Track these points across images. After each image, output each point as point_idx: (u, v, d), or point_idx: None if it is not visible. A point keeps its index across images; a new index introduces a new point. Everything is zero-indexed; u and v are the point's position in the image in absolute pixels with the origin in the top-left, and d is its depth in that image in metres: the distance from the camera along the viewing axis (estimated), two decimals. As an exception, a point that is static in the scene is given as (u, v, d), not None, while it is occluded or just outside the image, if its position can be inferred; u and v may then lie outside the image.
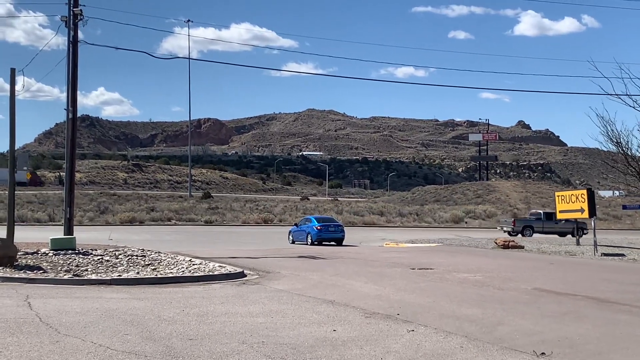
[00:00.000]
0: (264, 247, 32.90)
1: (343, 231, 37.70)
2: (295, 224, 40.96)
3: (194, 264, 20.46)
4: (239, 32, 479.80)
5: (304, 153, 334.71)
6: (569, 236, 45.21)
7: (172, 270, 18.99)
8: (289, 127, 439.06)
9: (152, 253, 24.02)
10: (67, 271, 18.12)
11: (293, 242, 38.41)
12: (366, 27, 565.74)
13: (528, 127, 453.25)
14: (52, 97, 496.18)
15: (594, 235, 31.26)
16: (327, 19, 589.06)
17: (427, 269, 22.08)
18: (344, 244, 36.97)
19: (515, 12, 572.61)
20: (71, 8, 25.88)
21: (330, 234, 37.05)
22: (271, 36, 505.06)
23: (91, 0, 26.96)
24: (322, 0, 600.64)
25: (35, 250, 23.30)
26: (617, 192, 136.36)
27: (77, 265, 19.47)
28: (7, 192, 24.24)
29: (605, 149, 37.31)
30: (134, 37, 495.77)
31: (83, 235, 32.34)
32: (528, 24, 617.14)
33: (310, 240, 36.72)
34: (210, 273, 18.69)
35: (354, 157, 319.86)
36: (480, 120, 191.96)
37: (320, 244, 36.40)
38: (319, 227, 36.83)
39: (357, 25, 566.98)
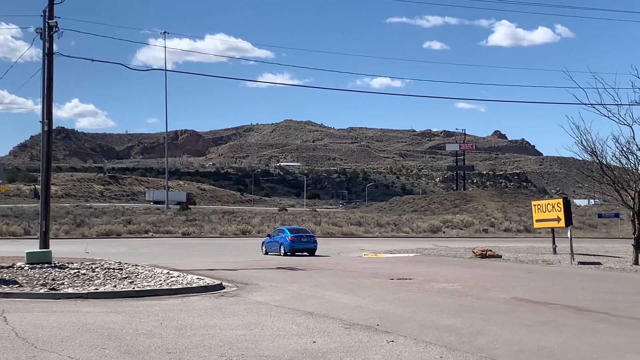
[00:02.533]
0: (242, 259, 32.78)
1: (315, 242, 37.80)
2: (269, 235, 40.90)
3: (171, 277, 20.33)
4: (214, 43, 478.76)
5: (282, 164, 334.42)
6: (545, 245, 45.38)
7: (149, 283, 18.84)
8: (267, 138, 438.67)
9: (130, 266, 23.84)
10: (44, 285, 17.92)
11: (266, 253, 38.37)
12: (341, 37, 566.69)
13: (504, 137, 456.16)
14: (26, 109, 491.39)
15: (571, 244, 31.46)
16: (302, 29, 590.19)
17: (406, 279, 22.11)
18: (319, 254, 36.97)
19: (490, 23, 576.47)
20: (46, 20, 25.72)
21: (302, 245, 37.11)
22: (246, 47, 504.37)
23: (65, 11, 26.87)
24: (296, 11, 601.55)
25: (11, 264, 23.05)
26: (592, 201, 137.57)
27: (53, 279, 19.27)
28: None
29: (580, 159, 37.58)
30: (108, 48, 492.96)
31: (59, 248, 32.07)
32: (502, 34, 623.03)
33: (283, 251, 36.73)
34: (189, 285, 18.57)
35: (332, 168, 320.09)
36: (457, 130, 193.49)
37: (293, 254, 36.42)
38: (291, 238, 36.85)
39: (332, 35, 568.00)
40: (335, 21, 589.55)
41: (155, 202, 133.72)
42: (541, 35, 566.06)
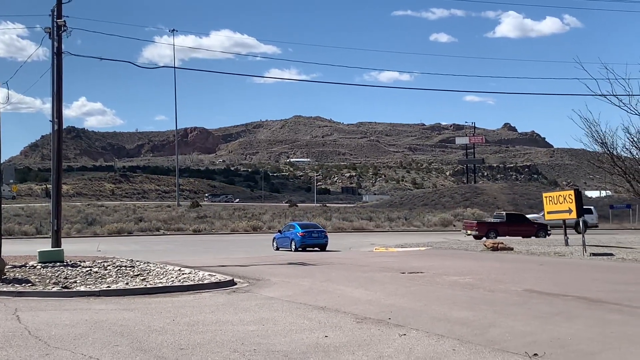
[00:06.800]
0: (253, 255, 32.81)
1: (326, 237, 37.76)
2: (279, 231, 40.90)
3: (183, 274, 20.36)
4: (219, 39, 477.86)
5: (292, 160, 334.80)
6: (557, 237, 45.27)
7: (161, 280, 18.88)
8: (276, 134, 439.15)
9: (141, 263, 23.89)
10: (56, 283, 17.99)
11: (277, 249, 38.36)
12: (347, 32, 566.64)
13: (514, 129, 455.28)
14: (35, 109, 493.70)
15: (583, 236, 31.35)
16: (307, 24, 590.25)
17: (418, 272, 22.08)
18: (330, 249, 36.96)
19: (496, 14, 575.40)
20: (55, 20, 25.76)
21: (313, 240, 37.06)
22: (252, 43, 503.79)
23: (72, 11, 26.97)
24: (301, 6, 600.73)
25: (23, 263, 23.14)
26: (603, 193, 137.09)
27: (65, 277, 19.35)
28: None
29: (590, 150, 37.47)
30: (114, 46, 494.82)
31: (71, 247, 32.19)
32: (510, 25, 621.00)
33: (294, 247, 36.71)
34: (200, 282, 18.60)
35: (342, 163, 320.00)
36: (466, 124, 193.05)
37: (304, 250, 36.41)
38: (302, 234, 36.81)
39: (338, 30, 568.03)
40: (340, 15, 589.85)
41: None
42: (549, 25, 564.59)
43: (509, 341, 10.38)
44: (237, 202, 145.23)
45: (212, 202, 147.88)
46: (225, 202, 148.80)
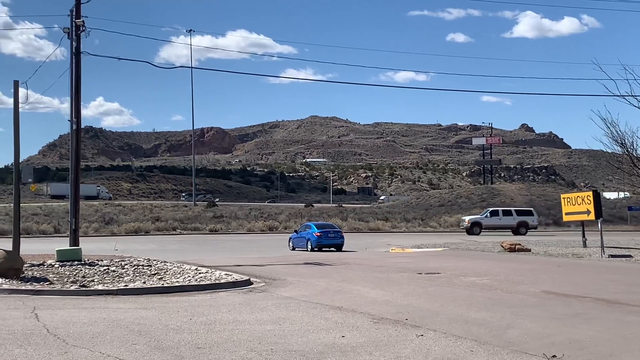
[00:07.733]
0: (269, 255, 32.84)
1: (342, 237, 37.73)
2: (295, 231, 40.94)
3: (200, 273, 20.42)
4: (235, 39, 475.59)
5: (308, 160, 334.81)
6: (575, 238, 45.06)
7: (178, 280, 18.95)
8: (292, 134, 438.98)
9: (158, 262, 23.99)
10: (74, 282, 18.10)
11: (293, 249, 38.41)
12: (363, 32, 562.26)
13: (532, 130, 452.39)
14: (52, 109, 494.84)
15: (601, 237, 31.16)
16: (324, 24, 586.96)
17: (434, 273, 22.01)
18: (346, 249, 36.93)
19: (514, 14, 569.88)
20: (73, 20, 25.90)
21: (329, 240, 37.04)
22: (268, 43, 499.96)
23: (88, 10, 27.07)
24: (317, 6, 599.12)
25: (42, 262, 23.29)
26: (622, 194, 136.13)
27: (83, 276, 19.46)
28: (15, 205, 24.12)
29: (609, 151, 37.23)
30: (131, 46, 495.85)
31: (89, 246, 32.35)
32: (527, 25, 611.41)
33: (310, 247, 36.72)
34: (217, 281, 18.64)
35: (358, 163, 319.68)
36: (483, 124, 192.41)
37: (320, 250, 36.40)
38: (318, 234, 36.80)
39: (353, 30, 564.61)
40: (356, 16, 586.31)
41: None
42: (567, 25, 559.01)
43: (527, 343, 10.33)
44: (217, 202, 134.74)
45: (188, 202, 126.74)
46: (204, 201, 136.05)
